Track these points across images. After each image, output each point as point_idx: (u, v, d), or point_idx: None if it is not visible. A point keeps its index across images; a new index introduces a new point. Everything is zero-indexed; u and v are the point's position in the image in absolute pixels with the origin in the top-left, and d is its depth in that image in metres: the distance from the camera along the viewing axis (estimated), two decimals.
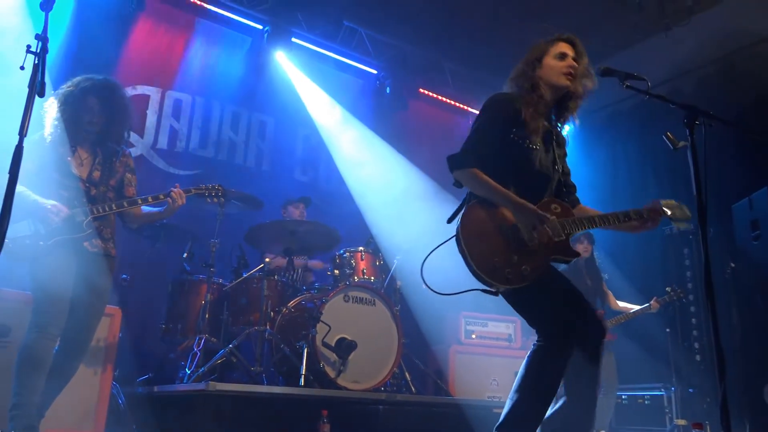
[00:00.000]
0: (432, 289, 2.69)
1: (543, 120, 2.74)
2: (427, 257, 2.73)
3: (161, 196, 3.32)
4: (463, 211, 2.61)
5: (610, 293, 5.75)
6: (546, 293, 2.57)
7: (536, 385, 2.50)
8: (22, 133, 2.27)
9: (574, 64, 2.77)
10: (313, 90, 7.24)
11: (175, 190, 3.35)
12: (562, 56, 2.78)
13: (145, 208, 3.42)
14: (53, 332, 2.92)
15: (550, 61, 2.78)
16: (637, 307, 5.60)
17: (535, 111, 2.69)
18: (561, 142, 2.88)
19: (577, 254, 2.70)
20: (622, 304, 5.71)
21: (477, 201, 2.62)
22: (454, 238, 2.60)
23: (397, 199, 7.26)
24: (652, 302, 5.53)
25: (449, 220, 2.70)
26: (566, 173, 2.92)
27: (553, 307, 2.56)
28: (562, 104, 2.85)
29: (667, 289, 5.60)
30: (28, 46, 2.38)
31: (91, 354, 3.46)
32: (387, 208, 7.03)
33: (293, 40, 6.98)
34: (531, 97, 2.72)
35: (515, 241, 2.52)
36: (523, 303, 2.62)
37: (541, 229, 2.53)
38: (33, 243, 2.99)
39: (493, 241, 2.52)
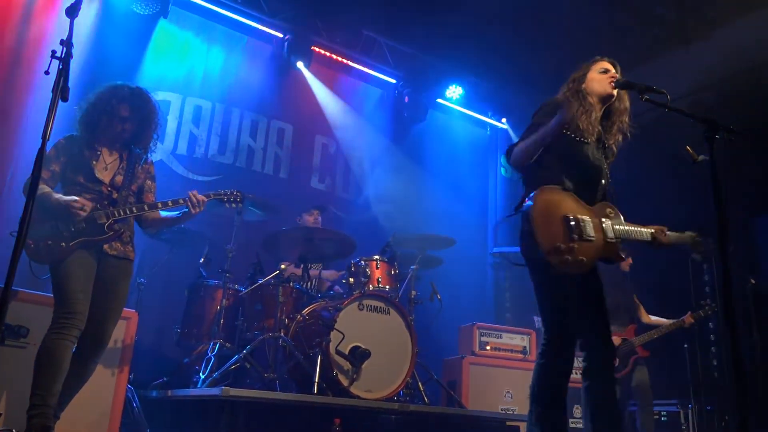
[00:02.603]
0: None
1: (596, 123, 2.94)
2: (498, 223, 2.92)
3: (180, 201, 3.35)
4: (534, 192, 2.74)
5: (641, 306, 5.68)
6: (580, 297, 2.79)
7: (534, 388, 2.77)
8: (45, 136, 2.30)
9: (617, 75, 3.01)
10: (331, 98, 7.30)
11: (196, 195, 3.36)
12: (605, 71, 3.03)
13: (163, 213, 3.45)
14: (72, 334, 2.95)
15: (594, 75, 3.03)
16: (670, 322, 5.50)
17: (587, 113, 2.90)
18: (608, 154, 3.05)
19: (622, 259, 2.89)
20: (653, 318, 5.63)
21: (546, 187, 2.76)
22: (521, 215, 2.77)
23: (413, 208, 7.26)
24: (686, 317, 5.43)
25: (516, 209, 2.89)
26: (611, 183, 3.08)
27: (570, 311, 2.77)
28: (608, 119, 3.05)
29: (701, 302, 5.48)
30: (53, 52, 2.42)
31: (107, 356, 3.48)
32: (403, 217, 7.03)
33: (313, 48, 7.04)
34: (584, 103, 2.93)
35: (577, 232, 2.70)
36: (552, 296, 2.80)
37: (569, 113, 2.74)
38: (55, 244, 3.03)
39: (557, 227, 2.70)
